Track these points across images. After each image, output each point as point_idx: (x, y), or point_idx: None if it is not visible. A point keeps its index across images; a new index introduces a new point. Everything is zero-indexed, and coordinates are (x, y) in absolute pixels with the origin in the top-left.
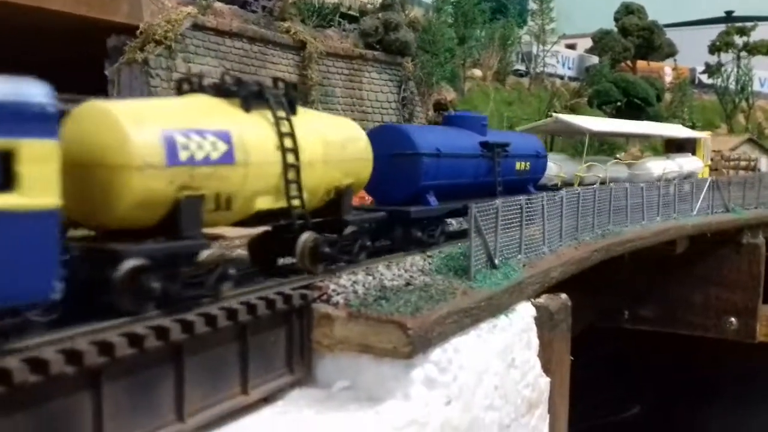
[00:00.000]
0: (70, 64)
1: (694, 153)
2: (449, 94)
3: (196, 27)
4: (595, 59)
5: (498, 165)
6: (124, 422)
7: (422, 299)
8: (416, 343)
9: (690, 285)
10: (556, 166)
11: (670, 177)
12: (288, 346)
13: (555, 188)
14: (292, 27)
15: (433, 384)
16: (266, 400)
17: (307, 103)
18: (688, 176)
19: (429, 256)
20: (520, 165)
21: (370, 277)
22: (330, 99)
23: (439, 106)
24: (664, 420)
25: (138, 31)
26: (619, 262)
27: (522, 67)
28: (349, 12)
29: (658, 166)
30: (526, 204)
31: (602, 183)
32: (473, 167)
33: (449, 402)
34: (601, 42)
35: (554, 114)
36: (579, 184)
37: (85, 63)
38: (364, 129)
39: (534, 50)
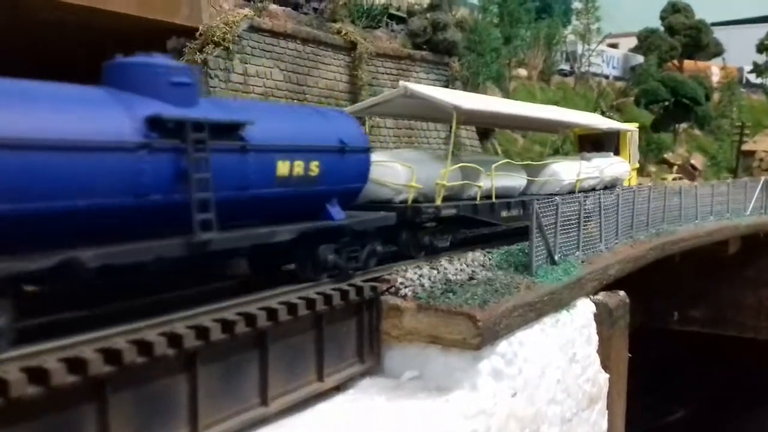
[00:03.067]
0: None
1: (617, 152)
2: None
3: (253, 29)
4: (640, 59)
5: (203, 167)
6: (215, 404)
7: (488, 293)
8: (485, 335)
9: (741, 286)
10: (404, 171)
11: (586, 186)
12: (359, 337)
13: (399, 208)
14: (343, 28)
15: (500, 376)
16: (338, 388)
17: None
18: (611, 184)
19: (489, 252)
20: (295, 167)
21: (435, 271)
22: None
23: None
24: (710, 425)
25: (197, 33)
26: (670, 263)
27: (567, 67)
28: (398, 13)
29: (570, 171)
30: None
31: (483, 198)
32: (107, 173)
33: (515, 394)
34: (647, 41)
35: (402, 83)
36: (444, 200)
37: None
38: (413, 130)
39: (579, 50)
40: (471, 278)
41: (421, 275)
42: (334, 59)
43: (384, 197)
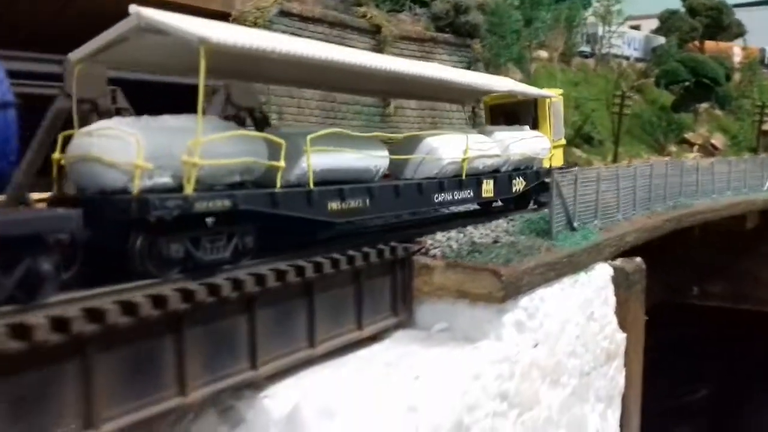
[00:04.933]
0: None
1: (535, 125)
2: (516, 75)
3: (283, 13)
4: (661, 40)
5: None
6: (270, 344)
7: (511, 253)
8: (508, 289)
9: (760, 261)
10: (128, 144)
11: (479, 166)
12: (392, 293)
13: (118, 201)
14: (368, 12)
15: (523, 328)
16: (374, 338)
17: None
18: (523, 165)
19: (511, 220)
20: None
21: (461, 235)
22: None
23: None
24: (732, 402)
25: (231, 18)
26: (690, 238)
27: (587, 48)
28: None
29: (453, 147)
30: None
31: (292, 186)
32: None
33: (536, 345)
34: (667, 22)
35: (133, 7)
36: (197, 189)
37: None
38: (436, 110)
39: (599, 31)
40: (495, 241)
41: (449, 238)
42: (360, 42)
43: (113, 184)
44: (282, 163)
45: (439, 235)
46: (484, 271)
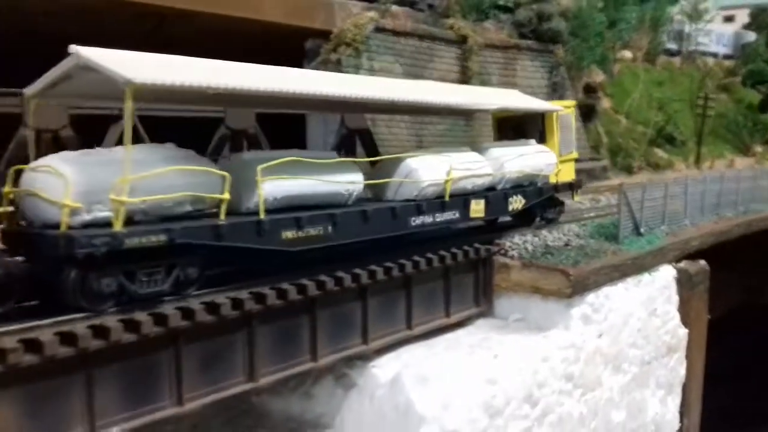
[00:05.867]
0: (272, 62)
1: (542, 139)
2: (598, 77)
3: (378, 29)
4: (752, 36)
5: None
6: (378, 325)
7: (579, 255)
8: (576, 287)
9: None
10: (65, 178)
11: (467, 187)
12: (475, 287)
13: (48, 237)
14: (455, 23)
15: (588, 320)
16: (459, 324)
17: None
18: (524, 182)
19: (583, 225)
20: None
21: (536, 238)
22: (487, 86)
23: (589, 89)
24: None
25: (332, 36)
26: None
27: (674, 46)
28: (506, 4)
29: (435, 169)
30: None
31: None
32: None
33: (600, 335)
34: (758, 18)
35: (73, 48)
36: (138, 222)
37: (283, 61)
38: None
39: (686, 29)
40: (566, 244)
41: (525, 241)
42: (447, 52)
43: (52, 218)
44: (225, 195)
45: (517, 238)
46: (555, 271)
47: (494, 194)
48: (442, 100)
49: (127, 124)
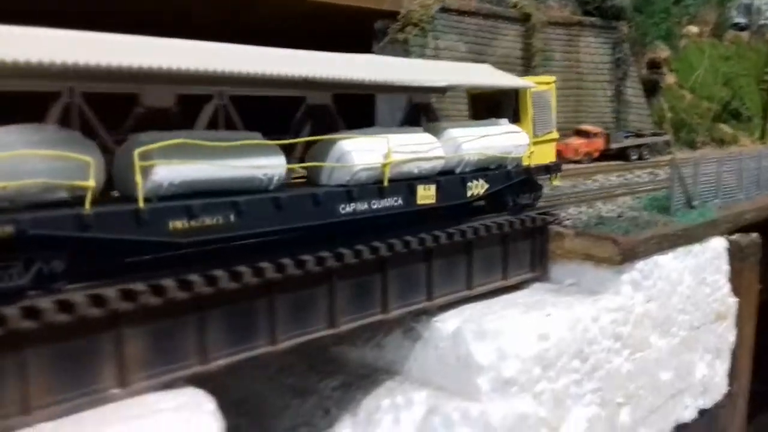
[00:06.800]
0: (342, 43)
1: (516, 117)
2: (663, 53)
3: (443, 9)
4: None
5: None
6: (441, 285)
7: (631, 226)
8: (626, 255)
9: None
10: None
11: (413, 170)
12: (531, 253)
13: None
14: (519, 1)
15: (638, 286)
16: (516, 287)
17: (530, 69)
18: (490, 165)
19: (638, 197)
20: None
21: (591, 209)
22: (549, 63)
23: (653, 65)
24: None
25: (399, 16)
26: None
27: (742, 20)
28: None
29: (371, 151)
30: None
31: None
32: None
33: (649, 300)
34: None
35: None
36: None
37: (353, 41)
38: (581, 90)
39: (755, 2)
40: (619, 216)
41: (580, 212)
42: (511, 30)
43: None
44: (90, 183)
45: (572, 209)
46: (606, 240)
47: (448, 179)
48: (375, 78)
49: None
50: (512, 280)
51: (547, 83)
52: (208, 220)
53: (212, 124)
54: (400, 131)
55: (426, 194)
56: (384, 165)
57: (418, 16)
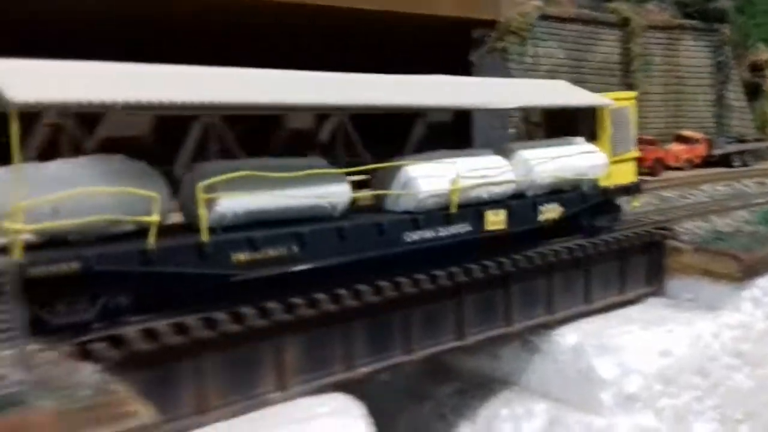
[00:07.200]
0: (440, 52)
1: (593, 136)
2: (765, 55)
3: (543, 17)
4: None
5: None
6: (562, 298)
7: (751, 241)
8: (747, 271)
9: None
10: None
11: (482, 195)
12: (648, 268)
13: None
14: (617, 7)
15: (758, 303)
16: (632, 302)
17: (629, 73)
18: (566, 187)
19: (753, 211)
20: None
21: (707, 224)
22: (649, 68)
23: (755, 67)
24: None
25: (497, 25)
26: None
27: None
28: None
29: (438, 177)
30: None
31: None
32: None
33: None
34: None
35: None
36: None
37: (451, 50)
38: (682, 94)
39: None
40: (738, 231)
41: (696, 227)
42: (609, 35)
43: None
44: (155, 218)
45: (688, 224)
46: (726, 256)
47: (519, 203)
48: (425, 102)
49: (14, 144)
50: (629, 295)
51: (627, 99)
52: (272, 252)
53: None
54: (469, 154)
55: (495, 220)
56: (452, 191)
57: (517, 24)
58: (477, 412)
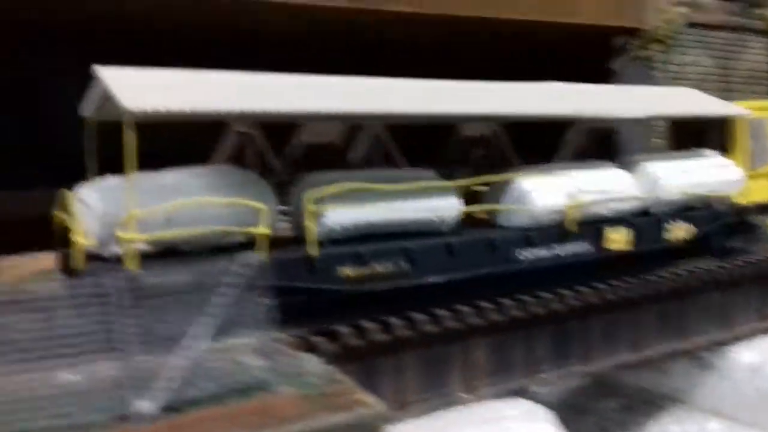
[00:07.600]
0: (578, 61)
1: (723, 148)
2: None
3: (690, 24)
4: None
5: None
6: (739, 315)
7: None
8: None
9: None
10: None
11: (602, 212)
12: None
13: None
14: (766, 12)
15: None
16: None
17: None
18: (696, 204)
19: None
20: None
21: None
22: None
23: None
24: None
25: (640, 32)
26: None
27: None
28: None
29: (552, 191)
30: None
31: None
32: None
33: None
34: None
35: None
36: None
37: (590, 59)
38: None
39: None
40: None
41: None
42: (758, 43)
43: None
44: (264, 230)
45: None
46: None
47: (643, 221)
48: (565, 111)
49: (129, 154)
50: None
51: (767, 109)
52: (379, 268)
53: None
54: (587, 166)
55: (617, 238)
56: (569, 207)
57: (662, 31)
58: (643, 428)
